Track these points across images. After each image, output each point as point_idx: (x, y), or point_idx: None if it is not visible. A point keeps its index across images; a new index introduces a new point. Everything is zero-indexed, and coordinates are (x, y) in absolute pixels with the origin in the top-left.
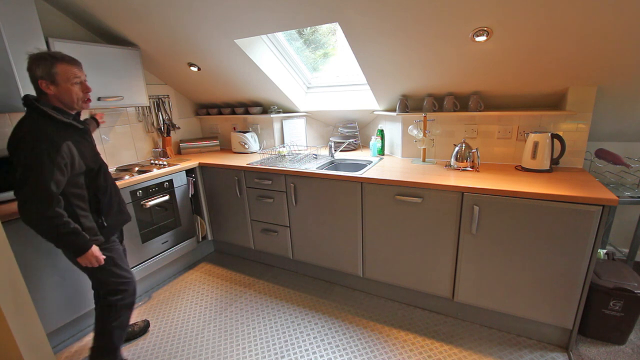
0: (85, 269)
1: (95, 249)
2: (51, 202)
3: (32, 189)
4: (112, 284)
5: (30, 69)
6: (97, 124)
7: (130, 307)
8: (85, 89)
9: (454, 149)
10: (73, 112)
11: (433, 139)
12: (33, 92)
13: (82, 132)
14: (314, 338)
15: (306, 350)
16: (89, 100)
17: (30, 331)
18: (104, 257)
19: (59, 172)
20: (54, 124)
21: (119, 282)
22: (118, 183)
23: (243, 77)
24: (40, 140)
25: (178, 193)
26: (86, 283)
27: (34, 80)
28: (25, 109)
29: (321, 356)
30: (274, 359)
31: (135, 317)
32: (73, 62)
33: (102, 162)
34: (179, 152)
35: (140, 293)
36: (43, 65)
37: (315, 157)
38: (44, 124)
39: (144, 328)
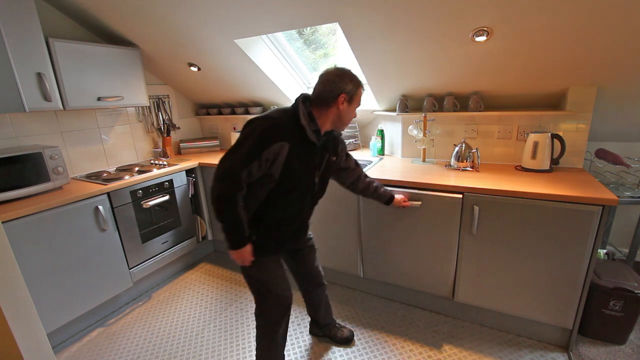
0: None
1: None
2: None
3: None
4: None
5: (340, 81)
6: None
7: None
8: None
9: (454, 149)
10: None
11: (433, 139)
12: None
13: (314, 148)
14: (314, 338)
15: (306, 350)
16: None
17: (30, 331)
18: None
19: (256, 162)
20: (297, 128)
21: None
22: (118, 183)
23: (243, 77)
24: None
25: (178, 193)
26: (86, 283)
27: (338, 91)
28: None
29: (321, 356)
30: None
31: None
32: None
33: (306, 184)
34: (179, 152)
35: (140, 293)
36: (355, 83)
37: None
38: (287, 121)
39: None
